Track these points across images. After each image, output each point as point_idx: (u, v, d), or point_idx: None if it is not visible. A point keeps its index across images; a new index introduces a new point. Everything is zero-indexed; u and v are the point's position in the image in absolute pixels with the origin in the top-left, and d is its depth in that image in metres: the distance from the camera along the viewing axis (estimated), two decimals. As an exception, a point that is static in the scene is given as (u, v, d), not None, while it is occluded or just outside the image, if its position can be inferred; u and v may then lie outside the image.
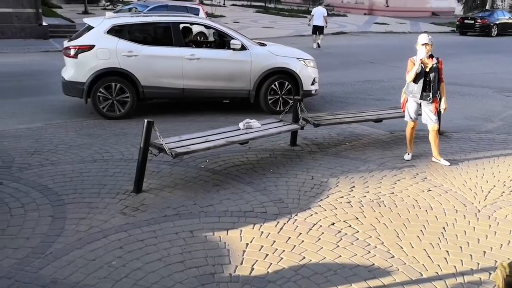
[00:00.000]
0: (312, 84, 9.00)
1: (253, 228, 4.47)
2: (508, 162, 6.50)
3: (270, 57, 8.73)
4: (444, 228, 4.63)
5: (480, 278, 3.83)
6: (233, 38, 8.54)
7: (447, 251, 4.21)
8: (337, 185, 5.52)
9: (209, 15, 23.29)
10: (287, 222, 4.61)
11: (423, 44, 6.06)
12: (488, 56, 18.53)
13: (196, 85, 8.37)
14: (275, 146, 6.86)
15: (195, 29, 15.05)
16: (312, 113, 7.46)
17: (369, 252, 4.14)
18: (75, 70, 8.03)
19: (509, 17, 28.18)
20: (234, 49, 8.44)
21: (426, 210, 4.98)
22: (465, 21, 28.32)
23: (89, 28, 8.27)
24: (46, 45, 16.94)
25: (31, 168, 5.72)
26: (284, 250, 4.11)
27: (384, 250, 4.19)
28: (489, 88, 12.07)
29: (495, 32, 27.32)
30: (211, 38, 13.50)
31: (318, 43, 19.31)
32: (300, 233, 4.41)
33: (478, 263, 4.05)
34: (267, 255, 4.04)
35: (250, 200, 5.04)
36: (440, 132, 7.58)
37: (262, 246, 4.16)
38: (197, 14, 15.87)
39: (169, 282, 3.61)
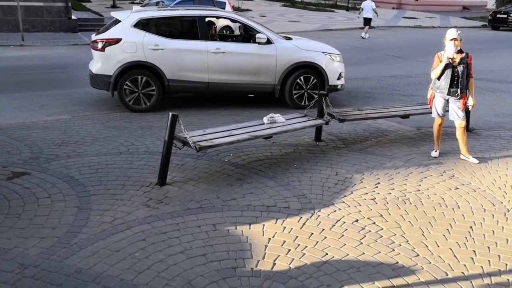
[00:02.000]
0: (338, 78, 8.90)
1: (275, 223, 4.44)
2: (540, 161, 6.30)
3: (296, 51, 8.66)
4: (471, 227, 4.51)
5: (508, 280, 3.73)
6: (258, 32, 8.50)
7: (474, 251, 4.11)
8: (362, 182, 5.45)
9: (236, 9, 23.28)
10: (310, 217, 4.57)
11: (451, 39, 5.88)
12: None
13: (221, 79, 8.38)
14: (300, 141, 6.82)
15: (221, 23, 15.12)
16: (337, 108, 7.38)
17: (393, 250, 4.07)
18: (102, 63, 8.13)
19: (544, 12, 27.33)
20: (259, 43, 8.40)
21: (453, 209, 4.87)
22: (498, 16, 27.59)
23: (116, 21, 8.36)
24: (75, 39, 17.23)
25: (58, 159, 5.83)
26: (306, 246, 4.08)
27: (408, 248, 4.11)
28: (522, 84, 11.73)
29: (529, 27, 26.54)
30: (236, 32, 13.50)
31: (364, 34, 20.88)
32: (323, 229, 4.36)
33: (506, 264, 3.94)
34: (289, 250, 4.01)
35: (273, 195, 5.02)
36: (469, 129, 7.42)
37: (285, 241, 4.14)
38: (224, 8, 15.87)
39: (191, 275, 3.62)
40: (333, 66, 8.84)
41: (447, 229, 4.46)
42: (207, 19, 8.87)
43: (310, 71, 8.64)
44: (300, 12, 31.12)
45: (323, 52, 8.88)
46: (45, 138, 6.63)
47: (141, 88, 8.10)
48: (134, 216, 4.48)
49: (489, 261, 3.98)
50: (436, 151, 6.38)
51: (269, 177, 5.48)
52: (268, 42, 8.44)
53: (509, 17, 26.83)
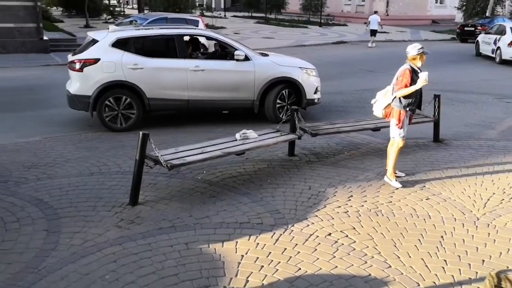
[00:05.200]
0: (315, 93, 9.06)
1: (248, 240, 4.43)
2: (508, 169, 6.44)
3: (274, 67, 8.77)
4: (442, 237, 4.57)
5: (479, 288, 3.78)
6: (236, 49, 8.59)
7: (445, 260, 4.16)
8: (335, 195, 5.48)
9: (210, 27, 23.41)
10: (283, 233, 4.57)
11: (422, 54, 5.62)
12: (488, 63, 18.51)
13: (201, 96, 8.42)
14: (273, 156, 6.84)
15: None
16: (311, 122, 7.44)
17: (366, 262, 4.09)
18: (81, 83, 8.07)
19: (510, 24, 28.13)
20: (238, 60, 8.48)
21: (424, 219, 4.93)
22: (465, 29, 28.31)
23: (94, 41, 8.31)
24: (47, 59, 17.03)
25: (27, 182, 5.72)
26: (279, 262, 4.07)
27: (381, 260, 4.14)
28: (489, 95, 12.01)
29: (496, 39, 27.28)
30: (211, 50, 13.55)
31: (370, 44, 23.90)
32: (296, 244, 4.36)
33: (477, 272, 3.99)
34: (262, 266, 3.99)
35: (246, 211, 5.01)
36: (439, 140, 7.57)
37: (258, 258, 4.12)
38: (197, 26, 15.94)
39: (163, 295, 3.57)
40: (310, 81, 8.98)
41: (419, 239, 4.51)
42: (185, 38, 8.90)
43: (287, 86, 8.74)
44: (274, 29, 31.47)
45: (299, 67, 9.02)
46: (14, 160, 6.50)
47: (122, 107, 8.04)
48: (105, 237, 4.41)
49: (459, 269, 4.03)
50: (396, 180, 5.79)
51: (243, 194, 5.47)
52: (246, 58, 8.52)
53: (476, 30, 27.48)
